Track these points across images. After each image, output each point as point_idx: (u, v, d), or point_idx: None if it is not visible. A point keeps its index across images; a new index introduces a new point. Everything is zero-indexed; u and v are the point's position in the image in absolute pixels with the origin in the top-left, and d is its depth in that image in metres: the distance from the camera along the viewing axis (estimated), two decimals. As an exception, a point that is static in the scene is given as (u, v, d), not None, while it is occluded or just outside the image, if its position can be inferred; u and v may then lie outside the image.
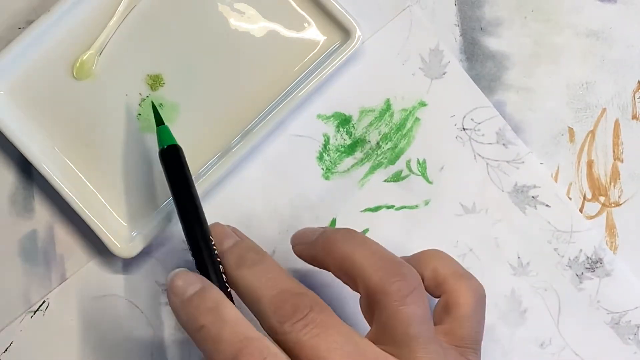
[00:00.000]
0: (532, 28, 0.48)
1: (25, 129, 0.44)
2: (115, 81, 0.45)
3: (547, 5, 0.48)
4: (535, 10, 0.48)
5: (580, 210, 0.46)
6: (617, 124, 0.47)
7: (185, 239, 0.39)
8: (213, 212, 0.44)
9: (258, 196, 0.46)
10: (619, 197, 0.47)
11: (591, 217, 0.46)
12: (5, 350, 0.44)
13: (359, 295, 0.38)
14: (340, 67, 0.45)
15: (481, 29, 0.47)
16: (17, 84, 0.45)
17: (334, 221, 0.46)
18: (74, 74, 0.45)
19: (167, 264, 0.45)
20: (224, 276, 0.37)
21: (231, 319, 0.34)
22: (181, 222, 0.40)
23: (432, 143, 0.46)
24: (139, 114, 0.45)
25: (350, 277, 0.37)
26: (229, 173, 0.45)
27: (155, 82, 0.45)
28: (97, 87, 0.45)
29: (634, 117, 0.47)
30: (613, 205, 0.46)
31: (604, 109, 0.47)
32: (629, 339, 0.45)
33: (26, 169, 0.45)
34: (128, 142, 0.45)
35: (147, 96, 0.45)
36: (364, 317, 0.38)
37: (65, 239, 0.45)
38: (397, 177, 0.46)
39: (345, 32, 0.45)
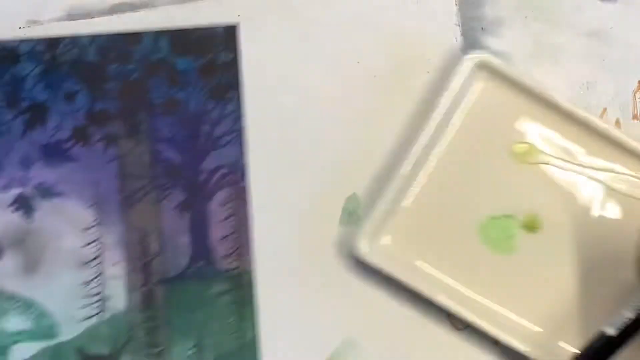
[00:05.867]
0: (532, 28, 0.47)
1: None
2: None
3: (547, 5, 0.48)
4: (535, 10, 0.48)
5: (582, 210, 0.46)
6: (617, 124, 0.47)
7: None
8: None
9: None
10: (620, 197, 0.46)
11: (592, 217, 0.46)
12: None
13: None
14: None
15: (482, 29, 0.47)
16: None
17: None
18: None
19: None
20: None
21: None
22: None
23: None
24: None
25: None
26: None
27: None
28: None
29: (635, 117, 0.47)
30: (614, 205, 0.46)
31: (605, 109, 0.47)
32: None
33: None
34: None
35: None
36: None
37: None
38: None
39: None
